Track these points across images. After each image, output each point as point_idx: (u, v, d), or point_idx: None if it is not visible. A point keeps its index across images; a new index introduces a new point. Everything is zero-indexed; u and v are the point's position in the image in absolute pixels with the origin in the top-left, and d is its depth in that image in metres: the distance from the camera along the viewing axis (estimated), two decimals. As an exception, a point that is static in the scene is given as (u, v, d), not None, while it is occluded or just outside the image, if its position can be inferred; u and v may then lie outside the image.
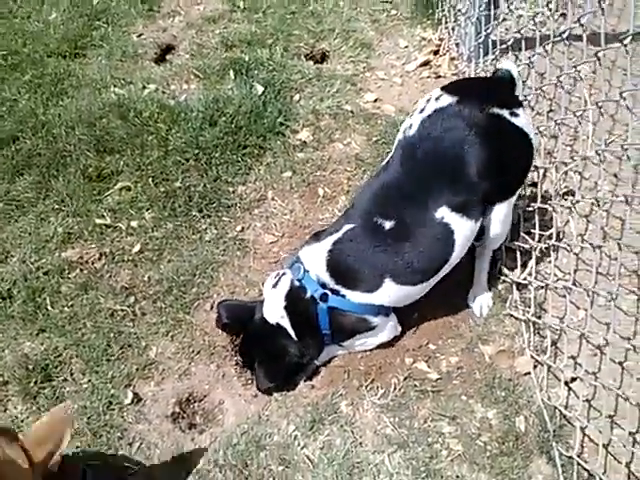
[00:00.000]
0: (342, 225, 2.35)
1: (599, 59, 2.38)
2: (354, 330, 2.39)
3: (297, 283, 2.34)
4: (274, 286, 2.41)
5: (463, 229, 2.29)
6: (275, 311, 2.37)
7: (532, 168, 2.60)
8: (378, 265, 2.28)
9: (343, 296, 2.31)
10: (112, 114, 3.41)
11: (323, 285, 2.31)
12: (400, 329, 2.51)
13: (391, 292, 2.32)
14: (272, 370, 2.37)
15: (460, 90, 2.41)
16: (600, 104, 2.47)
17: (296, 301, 2.34)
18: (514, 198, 2.46)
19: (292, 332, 2.36)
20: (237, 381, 2.46)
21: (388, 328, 2.46)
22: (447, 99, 2.33)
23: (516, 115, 2.35)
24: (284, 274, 2.41)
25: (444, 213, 2.26)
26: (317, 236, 2.43)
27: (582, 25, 2.48)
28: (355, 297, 2.31)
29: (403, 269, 2.28)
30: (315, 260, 2.33)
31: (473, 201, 2.28)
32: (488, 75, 3.11)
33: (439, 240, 2.28)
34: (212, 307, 2.65)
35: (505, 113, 2.32)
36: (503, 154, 2.29)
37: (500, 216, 2.42)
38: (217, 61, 3.73)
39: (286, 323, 2.36)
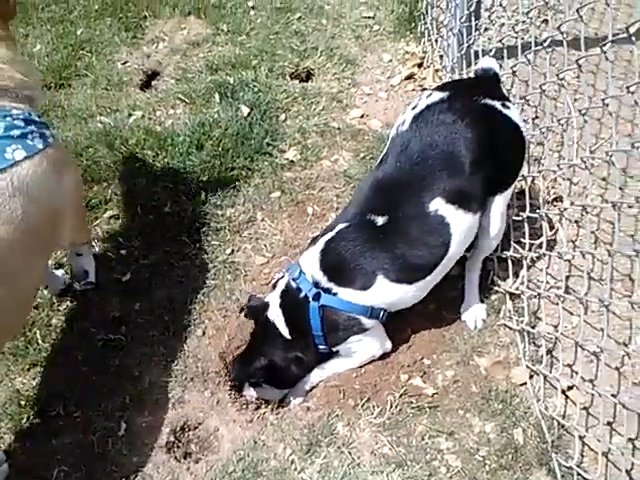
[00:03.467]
0: (336, 224, 2.37)
1: (580, 66, 2.39)
2: (346, 330, 2.35)
3: (293, 283, 2.36)
4: (273, 287, 2.48)
5: (460, 222, 2.26)
6: (272, 309, 2.40)
7: (519, 177, 2.58)
8: (370, 262, 2.26)
9: (335, 294, 2.30)
10: (99, 143, 3.39)
11: (316, 284, 2.31)
12: (391, 345, 2.49)
13: (384, 291, 2.28)
14: (264, 368, 2.38)
15: (451, 87, 2.48)
16: (584, 111, 2.46)
17: (290, 300, 2.36)
18: (509, 192, 2.46)
19: (285, 330, 2.38)
20: (231, 407, 2.43)
21: (380, 337, 2.44)
22: (439, 94, 2.36)
23: (507, 107, 2.38)
24: (283, 277, 2.45)
25: (439, 205, 2.24)
26: (314, 240, 2.45)
27: (562, 33, 2.48)
28: (347, 295, 2.29)
29: (396, 266, 2.26)
30: (310, 260, 2.35)
31: (469, 192, 2.26)
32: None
33: (434, 234, 2.25)
34: (204, 333, 2.64)
35: (497, 104, 2.35)
36: (497, 144, 2.30)
37: (496, 214, 2.41)
38: (202, 85, 3.72)
39: (280, 321, 2.38)
